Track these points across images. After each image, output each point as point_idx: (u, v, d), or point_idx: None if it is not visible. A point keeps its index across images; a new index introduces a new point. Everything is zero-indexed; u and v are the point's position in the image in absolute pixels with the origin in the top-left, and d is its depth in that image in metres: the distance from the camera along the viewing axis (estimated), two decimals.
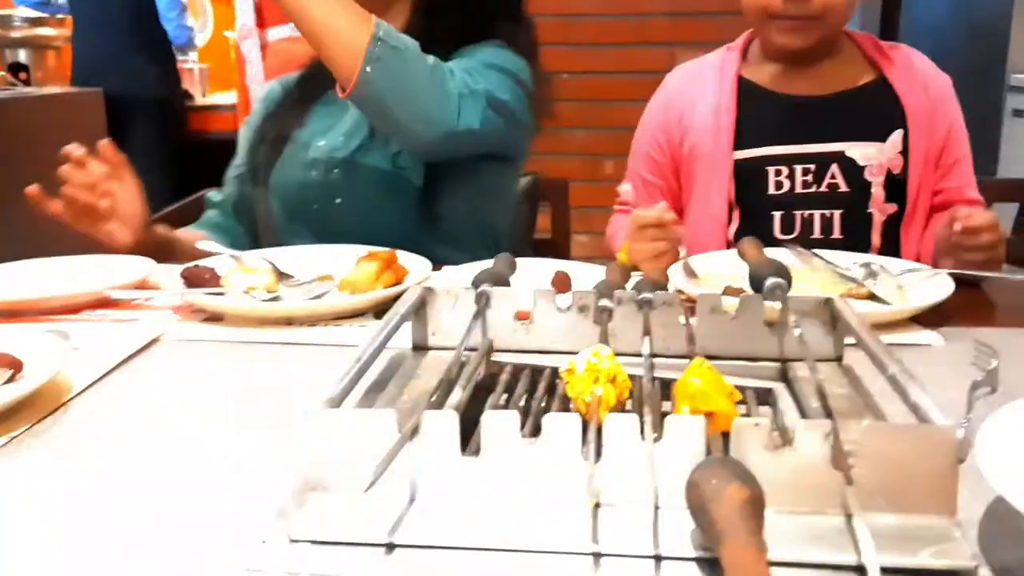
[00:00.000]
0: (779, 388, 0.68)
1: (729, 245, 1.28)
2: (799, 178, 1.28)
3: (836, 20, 1.27)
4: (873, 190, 1.28)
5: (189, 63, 4.09)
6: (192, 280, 1.04)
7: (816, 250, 1.12)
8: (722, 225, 1.31)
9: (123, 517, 0.56)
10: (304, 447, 0.53)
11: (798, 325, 0.71)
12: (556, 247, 1.60)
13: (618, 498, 0.51)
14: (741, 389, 0.63)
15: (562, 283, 0.98)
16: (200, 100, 4.02)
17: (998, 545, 0.50)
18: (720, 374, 0.60)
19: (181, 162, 3.44)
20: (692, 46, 1.80)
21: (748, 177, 1.30)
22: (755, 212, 1.30)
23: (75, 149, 1.19)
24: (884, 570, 0.42)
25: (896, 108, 1.29)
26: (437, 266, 1.13)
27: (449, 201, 1.31)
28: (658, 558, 0.48)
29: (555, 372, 0.68)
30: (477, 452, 0.52)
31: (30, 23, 3.16)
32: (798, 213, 1.28)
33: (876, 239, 1.28)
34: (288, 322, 0.96)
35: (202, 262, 1.10)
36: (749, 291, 0.78)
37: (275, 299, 0.99)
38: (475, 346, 0.73)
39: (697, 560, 0.48)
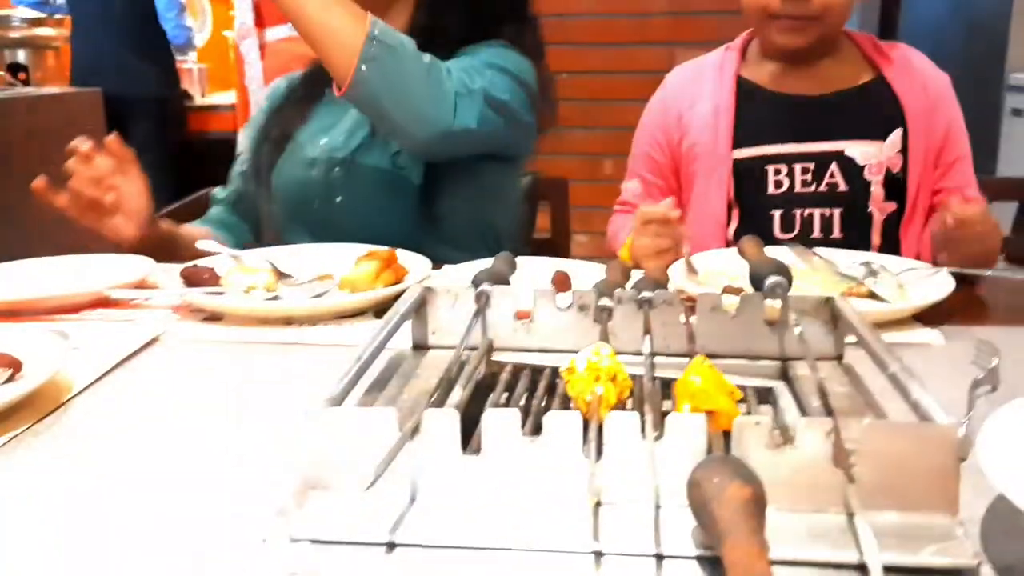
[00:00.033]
0: (780, 387, 0.68)
1: (728, 244, 1.28)
2: (798, 177, 1.28)
3: (835, 20, 1.27)
4: (872, 189, 1.28)
5: (188, 63, 4.09)
6: (191, 280, 1.04)
7: (816, 249, 1.12)
8: (721, 224, 1.31)
9: (123, 517, 0.56)
10: (304, 446, 0.53)
11: (798, 324, 0.71)
12: (555, 247, 1.60)
13: (619, 497, 0.51)
14: (741, 388, 0.63)
15: (562, 282, 0.98)
16: (199, 100, 4.02)
17: (1000, 543, 0.50)
18: (721, 372, 0.60)
19: (180, 162, 3.44)
20: (692, 46, 1.80)
21: (747, 176, 1.30)
22: (754, 211, 1.30)
23: (82, 143, 1.19)
24: (886, 568, 0.42)
25: (895, 107, 1.29)
26: (437, 265, 1.13)
27: (449, 201, 1.31)
28: (659, 557, 0.48)
29: (555, 372, 0.68)
30: (478, 451, 0.52)
31: (29, 23, 3.16)
32: (797, 212, 1.28)
33: (876, 238, 1.28)
34: (288, 321, 0.96)
35: (201, 262, 1.10)
36: (749, 290, 0.78)
37: (274, 298, 0.99)
38: (475, 345, 0.72)
39: (698, 559, 0.48)
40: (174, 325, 0.96)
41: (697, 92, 1.36)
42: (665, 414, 0.52)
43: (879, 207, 1.28)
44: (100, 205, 1.20)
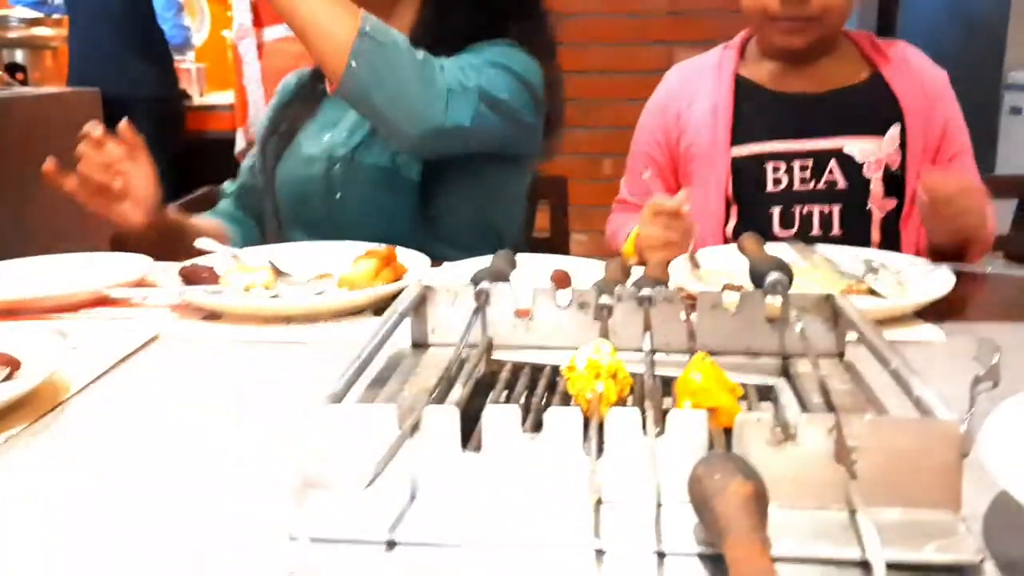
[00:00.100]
0: (780, 384, 0.68)
1: (727, 241, 1.28)
2: (797, 174, 1.28)
3: (835, 20, 1.27)
4: (872, 186, 1.28)
5: (186, 63, 4.08)
6: (190, 278, 1.03)
7: (816, 246, 1.12)
8: (720, 222, 1.31)
9: (122, 516, 0.56)
10: (304, 444, 0.53)
11: (799, 320, 0.70)
12: (555, 245, 1.60)
13: (620, 494, 0.50)
14: (742, 385, 0.63)
15: (561, 280, 0.98)
16: (197, 100, 4.01)
17: (1003, 539, 0.49)
18: (722, 369, 0.59)
19: (178, 161, 3.44)
20: (691, 45, 1.80)
21: (746, 174, 1.30)
22: (753, 208, 1.30)
23: (94, 128, 1.20)
24: (889, 565, 0.42)
25: (893, 104, 1.29)
26: (436, 263, 1.12)
27: (449, 200, 1.31)
28: (661, 554, 0.47)
29: (555, 369, 0.68)
30: (478, 448, 0.52)
31: (27, 23, 3.15)
32: (796, 209, 1.28)
33: (875, 234, 1.28)
34: (287, 320, 0.96)
35: (200, 260, 1.09)
36: (749, 287, 0.77)
37: (274, 297, 0.99)
38: (475, 343, 0.72)
39: (700, 556, 0.47)
40: (173, 324, 0.95)
41: (696, 91, 1.36)
42: (666, 411, 0.52)
43: (878, 204, 1.28)
44: (108, 190, 1.20)
